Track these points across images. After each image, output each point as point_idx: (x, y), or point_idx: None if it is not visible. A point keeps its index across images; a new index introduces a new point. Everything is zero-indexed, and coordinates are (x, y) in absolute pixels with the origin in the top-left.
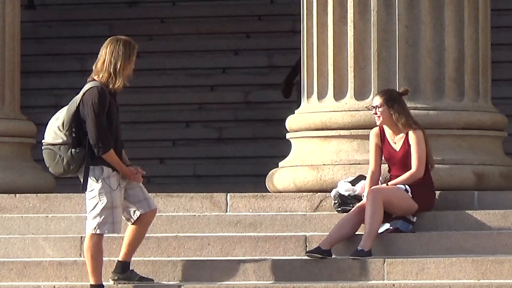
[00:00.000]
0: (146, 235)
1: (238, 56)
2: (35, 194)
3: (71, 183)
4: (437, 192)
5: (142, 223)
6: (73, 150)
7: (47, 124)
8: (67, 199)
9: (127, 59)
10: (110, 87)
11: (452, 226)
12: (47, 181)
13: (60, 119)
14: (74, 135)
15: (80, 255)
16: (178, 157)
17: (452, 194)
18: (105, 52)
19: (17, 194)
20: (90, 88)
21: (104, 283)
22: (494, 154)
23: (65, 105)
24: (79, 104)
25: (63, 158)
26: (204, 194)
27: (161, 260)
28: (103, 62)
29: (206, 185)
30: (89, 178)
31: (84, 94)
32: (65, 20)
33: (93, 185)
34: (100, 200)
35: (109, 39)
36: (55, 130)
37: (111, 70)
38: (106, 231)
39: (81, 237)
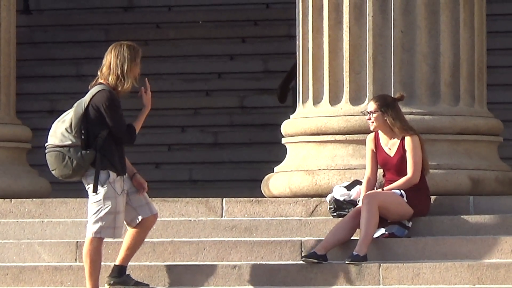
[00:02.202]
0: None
1: (234, 61)
2: (31, 199)
3: (66, 188)
4: (433, 197)
5: (143, 228)
6: (83, 152)
7: (50, 127)
8: (62, 204)
9: (132, 61)
10: (119, 89)
11: (447, 231)
12: (43, 186)
13: (67, 122)
14: (83, 137)
15: (75, 260)
16: (173, 162)
17: (447, 199)
18: (110, 57)
19: (12, 199)
20: (99, 91)
21: None
22: (489, 159)
23: (61, 110)
24: (87, 106)
25: (72, 160)
26: (200, 199)
27: (157, 265)
28: (109, 66)
29: (201, 190)
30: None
31: (93, 97)
32: (60, 25)
33: (99, 189)
34: (104, 205)
35: (112, 45)
36: (62, 132)
37: (119, 73)
38: (107, 236)
39: (77, 242)
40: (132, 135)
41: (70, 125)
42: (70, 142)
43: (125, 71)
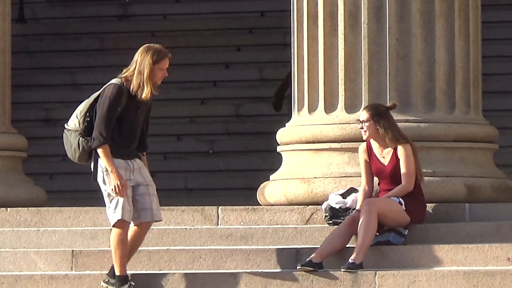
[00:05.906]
0: (138, 248)
1: (229, 69)
2: (27, 208)
3: (62, 196)
4: (428, 205)
5: (141, 230)
6: (81, 138)
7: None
8: (58, 212)
9: (154, 68)
10: (140, 97)
11: (443, 238)
12: (38, 195)
13: (81, 107)
14: (86, 124)
15: (71, 268)
16: (169, 170)
17: (443, 206)
18: (136, 60)
19: (8, 208)
20: (110, 84)
21: None
22: (485, 166)
23: (56, 119)
24: (98, 96)
25: (71, 144)
26: (196, 207)
27: (153, 273)
28: (134, 70)
29: (197, 198)
30: (98, 169)
31: (104, 88)
32: (56, 34)
33: (102, 176)
34: (107, 191)
35: (142, 47)
36: (74, 115)
37: (139, 80)
38: (118, 219)
39: (73, 250)
40: (94, 139)
41: (81, 111)
42: (74, 126)
43: (145, 79)
